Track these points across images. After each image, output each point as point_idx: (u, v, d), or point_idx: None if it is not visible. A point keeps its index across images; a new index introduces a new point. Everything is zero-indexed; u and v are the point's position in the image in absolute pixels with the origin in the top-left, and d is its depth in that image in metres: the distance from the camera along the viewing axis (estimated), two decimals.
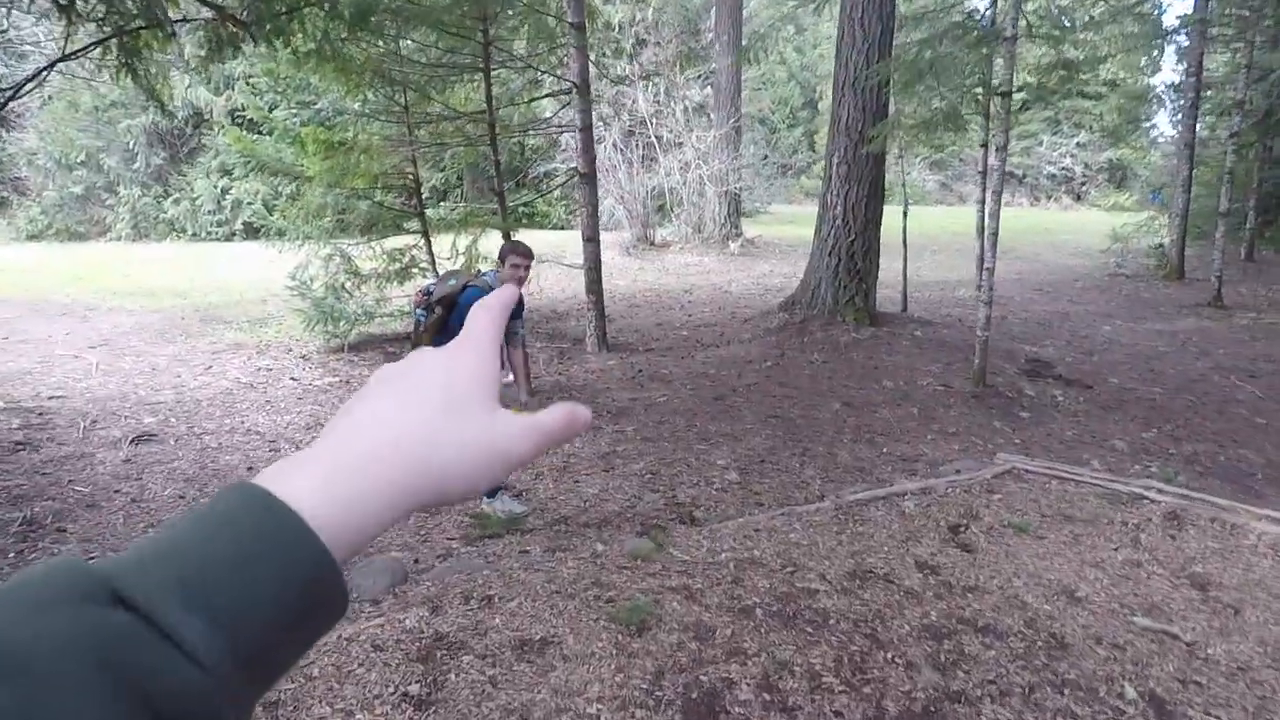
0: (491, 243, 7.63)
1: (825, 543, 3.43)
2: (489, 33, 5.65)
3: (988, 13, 9.24)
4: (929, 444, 5.50)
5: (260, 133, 7.56)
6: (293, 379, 6.65)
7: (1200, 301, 10.36)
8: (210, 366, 6.99)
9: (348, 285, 7.38)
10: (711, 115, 15.91)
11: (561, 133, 8.30)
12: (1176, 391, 6.77)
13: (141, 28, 4.17)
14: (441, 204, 8.73)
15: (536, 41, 6.48)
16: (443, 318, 3.90)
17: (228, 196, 19.24)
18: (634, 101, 15.33)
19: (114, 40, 4.19)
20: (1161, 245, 13.09)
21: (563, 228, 18.38)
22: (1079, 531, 3.59)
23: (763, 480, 4.69)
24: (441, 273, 7.42)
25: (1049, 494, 4.10)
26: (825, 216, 8.26)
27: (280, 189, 15.96)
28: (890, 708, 2.30)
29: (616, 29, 15.22)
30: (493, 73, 5.89)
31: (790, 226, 20.58)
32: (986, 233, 6.41)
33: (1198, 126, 12.94)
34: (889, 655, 2.57)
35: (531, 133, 8.21)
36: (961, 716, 2.28)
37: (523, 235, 6.91)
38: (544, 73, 7.10)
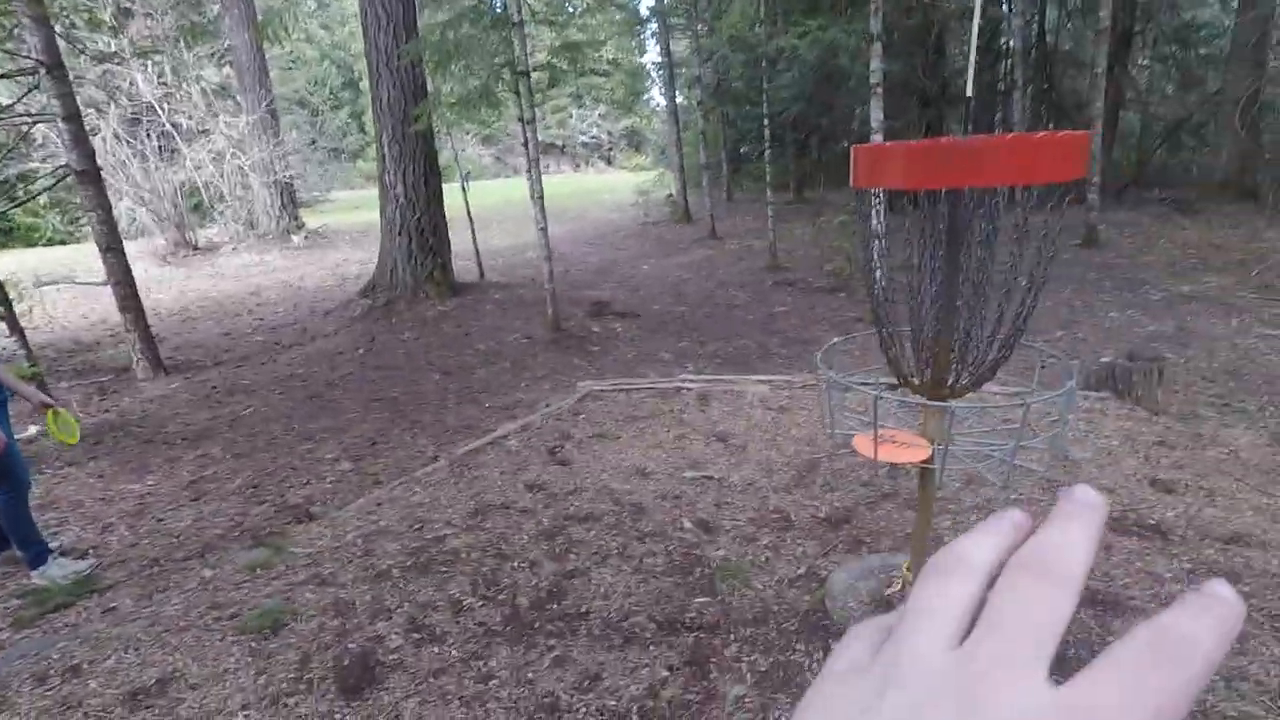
0: None
1: (446, 495, 3.69)
2: None
3: None
4: (524, 390, 6.10)
5: None
6: None
7: (703, 236, 13.09)
8: None
9: None
10: (239, 99, 14.30)
11: (34, 123, 6.71)
12: (697, 307, 8.58)
13: None
14: None
15: None
16: None
17: None
18: (131, 84, 12.94)
19: None
20: (671, 195, 16.08)
21: (64, 241, 14.87)
22: (643, 426, 4.48)
23: (377, 461, 4.72)
24: None
25: (619, 404, 4.98)
26: (388, 197, 8.28)
27: None
28: (524, 601, 2.70)
29: None
30: None
31: (357, 213, 19.82)
32: (533, 197, 7.19)
33: (677, 97, 16.05)
34: (515, 564, 2.97)
35: None
36: (578, 586, 2.79)
37: (6, 257, 5.53)
38: None
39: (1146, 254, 8.94)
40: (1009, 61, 10.95)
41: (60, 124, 5.76)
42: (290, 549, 3.20)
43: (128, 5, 15.21)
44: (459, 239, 9.38)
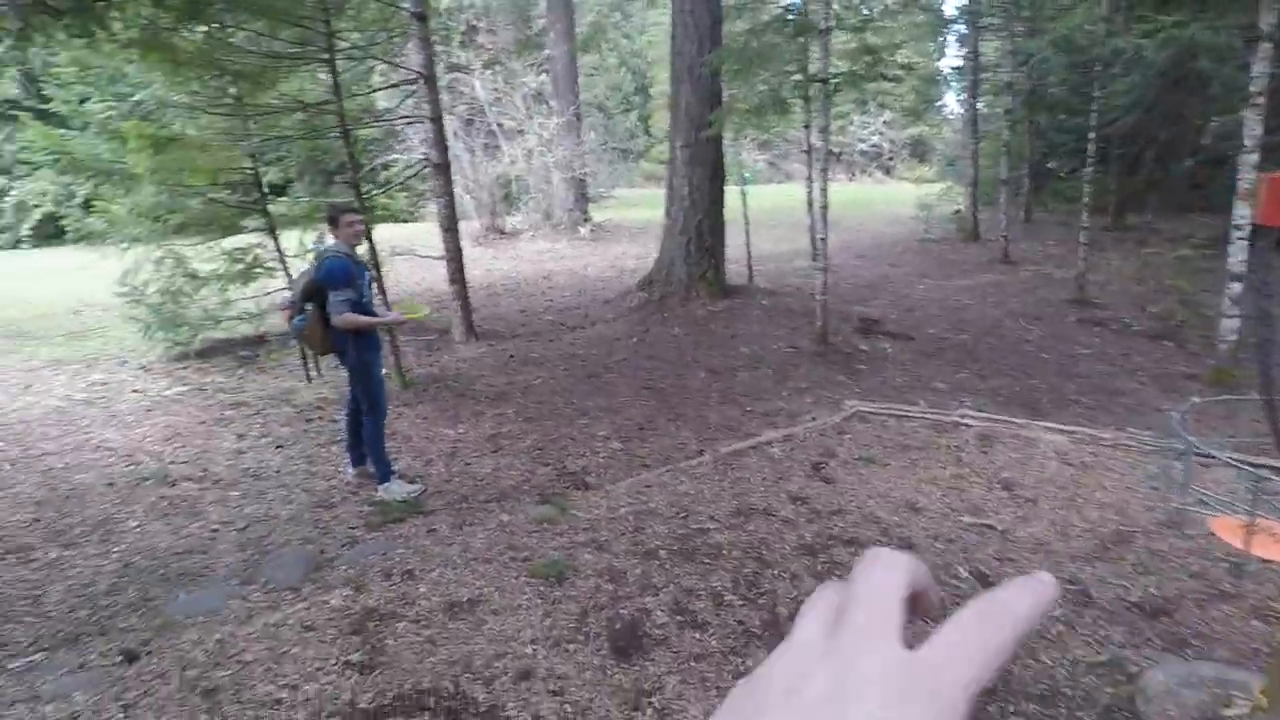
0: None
1: (710, 490, 3.82)
2: (330, 22, 5.48)
3: (799, 4, 10.08)
4: (785, 400, 6.09)
5: (68, 128, 6.82)
6: (136, 391, 6.15)
7: (993, 258, 11.96)
8: (30, 385, 6.30)
9: (186, 289, 6.89)
10: (551, 103, 16.02)
11: (408, 123, 8.15)
12: (980, 336, 7.89)
13: None
14: (280, 199, 8.28)
15: (376, 30, 6.36)
16: (319, 311, 3.86)
17: (6, 200, 16.82)
18: (472, 89, 15.12)
19: None
20: (959, 211, 14.89)
21: (406, 220, 17.83)
22: (915, 457, 4.24)
23: (644, 445, 5.03)
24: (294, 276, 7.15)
25: (889, 430, 4.76)
26: (673, 198, 8.73)
27: (75, 189, 14.26)
28: (783, 611, 2.71)
29: (445, 15, 14.89)
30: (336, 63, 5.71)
31: (636, 210, 21.18)
32: (816, 207, 7.11)
33: (979, 104, 14.80)
34: (776, 572, 2.99)
35: (373, 124, 7.98)
36: None
37: (377, 230, 6.75)
38: (385, 62, 6.97)
39: None
40: None
41: (428, 124, 6.92)
42: (572, 511, 3.54)
43: (475, 24, 17.79)
44: (731, 242, 9.59)
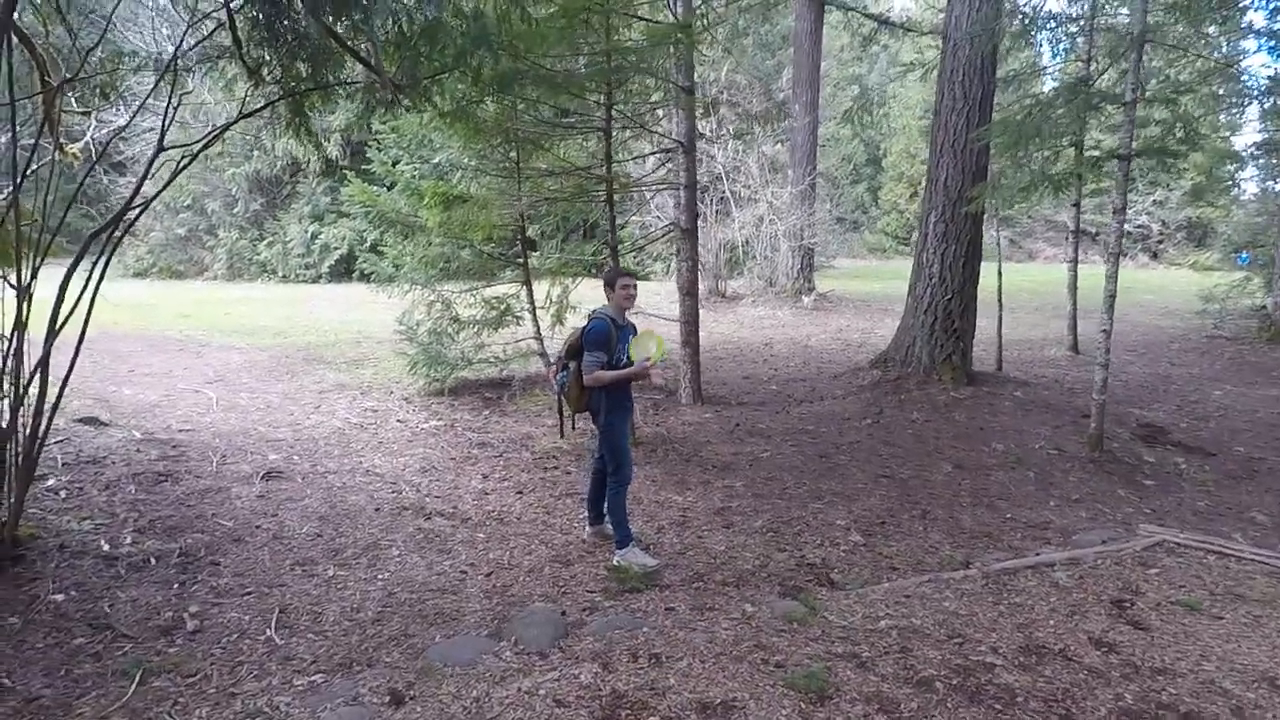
0: (580, 293, 7.83)
1: (985, 613, 3.29)
2: (610, 95, 5.87)
3: (1087, 74, 9.21)
4: (1054, 511, 5.28)
5: (376, 184, 7.95)
6: (399, 421, 6.80)
7: None
8: (319, 406, 7.21)
9: (450, 331, 7.58)
10: (789, 172, 16.08)
11: (663, 189, 8.49)
12: None
13: (310, 90, 4.47)
14: (534, 254, 8.95)
15: (648, 103, 6.71)
16: (579, 369, 3.97)
17: (316, 241, 20.16)
18: (711, 157, 15.62)
19: (284, 101, 4.49)
20: (1264, 307, 12.54)
21: (639, 279, 18.68)
22: (1258, 613, 3.38)
23: (888, 543, 4.56)
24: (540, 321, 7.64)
25: (1210, 570, 3.88)
26: (921, 274, 8.18)
27: (367, 236, 16.66)
28: None
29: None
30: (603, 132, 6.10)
31: (857, 281, 20.43)
32: (1103, 295, 6.24)
33: None
34: None
35: (635, 189, 8.40)
36: None
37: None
38: (652, 131, 7.32)
39: None
40: None
41: (682, 190, 7.11)
42: (824, 614, 3.21)
43: (719, 97, 18.48)
44: (978, 325, 8.74)
